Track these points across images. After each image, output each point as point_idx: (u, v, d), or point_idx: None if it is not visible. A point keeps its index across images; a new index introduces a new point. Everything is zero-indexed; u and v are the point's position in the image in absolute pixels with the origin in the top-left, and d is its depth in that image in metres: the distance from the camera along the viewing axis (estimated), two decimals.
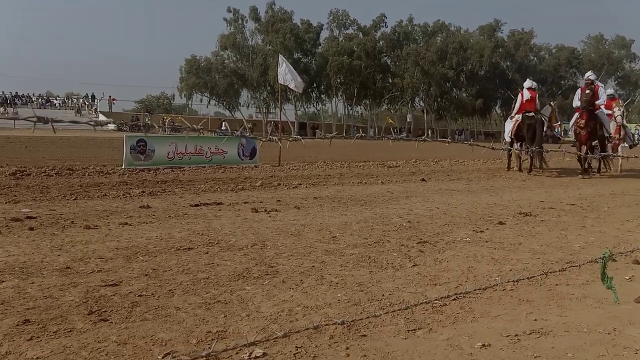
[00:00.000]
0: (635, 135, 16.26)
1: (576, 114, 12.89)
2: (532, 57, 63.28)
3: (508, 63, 60.48)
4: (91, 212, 5.77)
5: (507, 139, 13.90)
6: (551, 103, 16.69)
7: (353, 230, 5.25)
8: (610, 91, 14.87)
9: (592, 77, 12.98)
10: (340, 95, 59.30)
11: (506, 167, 13.99)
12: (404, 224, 5.63)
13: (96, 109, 50.16)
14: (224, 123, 40.12)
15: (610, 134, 12.94)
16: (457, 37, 58.62)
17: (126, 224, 5.17)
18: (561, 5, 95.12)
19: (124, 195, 7.22)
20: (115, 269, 3.61)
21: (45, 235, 4.57)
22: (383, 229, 5.33)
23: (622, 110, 13.47)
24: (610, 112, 13.91)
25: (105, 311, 2.81)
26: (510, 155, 13.96)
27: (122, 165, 10.78)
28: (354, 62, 54.49)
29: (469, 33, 60.57)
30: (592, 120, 12.45)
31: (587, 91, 12.40)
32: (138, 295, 3.07)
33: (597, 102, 12.64)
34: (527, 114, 13.20)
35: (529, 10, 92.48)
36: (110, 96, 52.62)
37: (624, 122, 14.08)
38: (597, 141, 12.75)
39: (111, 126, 41.01)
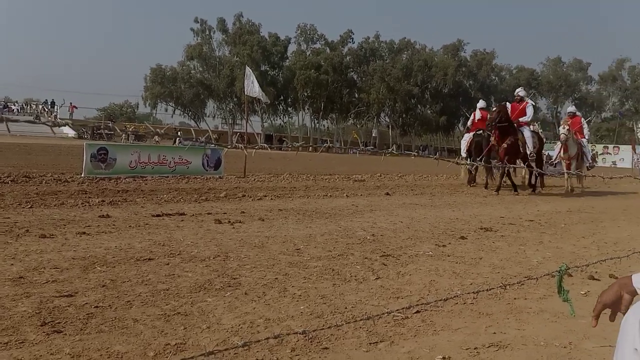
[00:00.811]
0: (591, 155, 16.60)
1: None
2: (493, 77, 65.20)
3: (471, 82, 62.12)
4: (47, 221, 5.58)
5: (463, 155, 14.36)
6: None
7: (317, 242, 5.24)
8: (571, 109, 15.20)
9: (522, 93, 13.40)
10: (307, 109, 59.65)
11: (467, 183, 14.31)
12: (368, 237, 5.66)
13: (56, 115, 48.84)
14: (179, 135, 38.22)
15: (531, 151, 12.80)
16: (422, 55, 59.91)
17: (84, 233, 5.02)
18: (521, 27, 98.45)
19: (82, 204, 7.02)
20: (70, 279, 3.49)
21: None
22: (347, 242, 5.34)
23: (566, 128, 13.52)
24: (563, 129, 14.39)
25: (59, 322, 2.71)
26: (470, 171, 14.38)
27: (81, 174, 10.49)
28: (321, 77, 54.95)
29: (434, 52, 62.03)
30: (506, 136, 12.41)
31: (494, 109, 12.76)
32: (94, 307, 2.98)
33: (522, 119, 12.92)
34: (477, 132, 13.94)
35: (491, 32, 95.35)
36: (71, 103, 51.43)
37: (584, 142, 14.30)
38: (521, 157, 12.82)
39: (71, 133, 40.09)
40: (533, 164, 12.55)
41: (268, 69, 56.30)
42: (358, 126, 63.31)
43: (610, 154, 53.02)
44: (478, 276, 4.20)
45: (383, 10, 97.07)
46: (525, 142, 12.59)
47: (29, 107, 52.85)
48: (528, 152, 12.64)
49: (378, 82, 56.11)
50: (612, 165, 47.81)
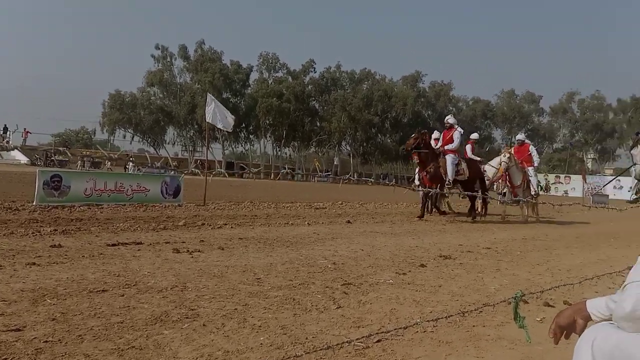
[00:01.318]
0: (538, 183, 16.88)
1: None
2: (451, 108, 67.00)
3: (429, 112, 63.70)
4: None
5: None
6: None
7: (278, 271, 5.18)
8: (520, 136, 15.40)
9: (451, 120, 13.73)
10: (269, 136, 59.73)
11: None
12: (329, 266, 5.64)
13: (8, 141, 47.20)
14: (130, 162, 36.84)
15: (449, 179, 12.89)
16: (382, 85, 61.21)
17: (34, 264, 4.82)
18: (477, 60, 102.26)
19: (33, 233, 6.75)
20: (19, 312, 3.33)
21: None
22: (308, 271, 5.30)
23: (506, 156, 13.70)
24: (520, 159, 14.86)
25: (6, 358, 2.57)
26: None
27: (33, 202, 10.12)
28: (283, 105, 55.30)
29: (393, 82, 63.49)
30: (428, 163, 12.82)
31: (414, 135, 13.20)
32: (43, 341, 2.84)
33: (447, 147, 13.20)
34: None
35: (448, 63, 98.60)
36: (25, 128, 49.85)
37: (530, 170, 14.39)
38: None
39: (23, 159, 38.78)
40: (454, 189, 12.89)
41: (230, 96, 56.31)
42: (320, 154, 63.75)
43: (562, 183, 54.98)
44: (438, 304, 4.23)
45: (343, 40, 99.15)
46: (446, 170, 12.86)
47: None
48: (448, 180, 12.78)
49: (339, 111, 56.87)
50: (564, 194, 49.54)
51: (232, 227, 8.83)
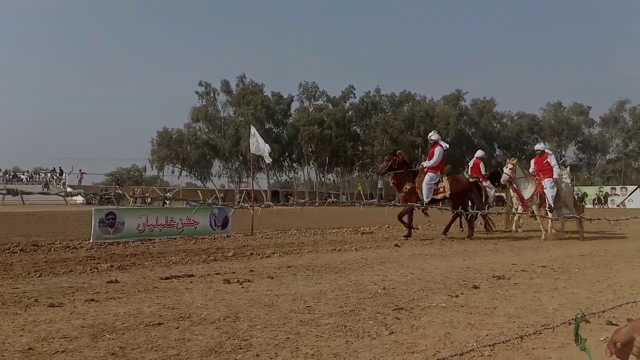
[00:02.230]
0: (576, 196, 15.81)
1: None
2: (495, 124, 65.80)
3: (473, 130, 62.67)
4: (56, 289, 5.56)
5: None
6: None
7: (328, 299, 5.17)
8: (539, 146, 14.20)
9: (434, 137, 13.35)
10: (312, 164, 60.14)
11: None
12: (379, 291, 5.58)
13: (64, 182, 49.44)
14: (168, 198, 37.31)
15: (423, 200, 12.40)
16: (423, 106, 60.78)
17: (93, 300, 4.99)
18: (519, 74, 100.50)
19: (91, 270, 7.01)
20: (80, 348, 3.45)
21: (7, 315, 4.36)
22: (358, 297, 5.26)
23: (510, 167, 12.93)
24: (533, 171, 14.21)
25: None
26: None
27: (90, 240, 10.52)
28: (324, 132, 55.73)
29: (434, 102, 62.93)
30: (404, 183, 12.68)
31: (386, 157, 13.13)
32: None
33: (425, 164, 12.88)
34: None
35: (489, 80, 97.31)
36: (80, 169, 52.14)
37: (547, 182, 12.99)
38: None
39: (79, 199, 40.42)
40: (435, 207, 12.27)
41: (272, 126, 57.26)
42: (363, 178, 63.57)
43: (618, 195, 52.70)
44: (494, 327, 4.11)
45: (382, 65, 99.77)
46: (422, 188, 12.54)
47: (37, 175, 53.63)
48: (423, 199, 12.39)
49: (381, 135, 56.78)
50: (621, 207, 47.43)
51: (280, 256, 8.88)
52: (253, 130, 15.23)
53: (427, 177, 12.65)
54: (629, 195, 37.95)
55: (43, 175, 52.89)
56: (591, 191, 50.45)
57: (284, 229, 14.71)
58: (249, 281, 6.16)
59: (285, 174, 63.19)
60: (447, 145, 13.53)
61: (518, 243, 11.84)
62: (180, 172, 58.03)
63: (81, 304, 4.84)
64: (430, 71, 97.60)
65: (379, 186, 61.56)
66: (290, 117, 59.33)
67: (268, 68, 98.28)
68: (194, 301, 4.98)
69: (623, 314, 4.26)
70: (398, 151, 13.66)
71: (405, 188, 12.69)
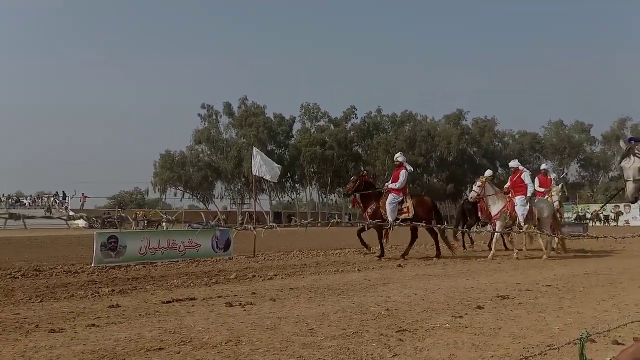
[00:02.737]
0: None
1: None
2: (497, 143, 65.85)
3: (475, 149, 62.75)
4: (57, 315, 5.52)
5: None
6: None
7: (331, 321, 5.12)
8: (512, 163, 13.94)
9: (401, 159, 13.32)
10: (315, 184, 60.16)
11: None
12: (383, 312, 5.53)
13: (67, 207, 49.49)
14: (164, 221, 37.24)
15: (389, 220, 12.30)
16: (424, 125, 61.03)
17: (94, 325, 4.95)
18: (519, 93, 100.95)
19: (92, 295, 6.96)
20: None
21: (8, 342, 4.33)
22: (362, 319, 5.22)
23: (478, 185, 13.00)
24: (543, 189, 14.46)
25: None
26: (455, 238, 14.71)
27: (92, 264, 10.48)
28: (326, 152, 55.90)
29: (436, 122, 63.17)
30: (369, 203, 12.78)
31: (353, 178, 13.23)
32: None
33: (391, 185, 12.85)
34: (465, 199, 14.26)
35: (490, 100, 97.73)
36: (83, 193, 52.24)
37: (518, 200, 12.79)
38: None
39: (82, 223, 40.44)
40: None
41: (275, 148, 57.44)
42: None
43: (622, 213, 52.46)
44: (499, 348, 4.06)
45: (383, 85, 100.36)
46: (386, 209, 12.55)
47: (40, 200, 53.70)
48: (389, 219, 12.34)
49: (383, 155, 56.86)
50: (626, 225, 47.19)
51: (282, 278, 8.83)
52: (256, 151, 15.29)
53: (390, 198, 12.73)
54: (605, 205, 37.88)
55: (46, 199, 52.93)
56: (594, 209, 50.26)
57: (286, 250, 14.65)
58: (251, 304, 6.11)
59: (288, 195, 63.19)
60: (412, 169, 13.66)
61: (522, 262, 11.75)
62: (183, 194, 58.13)
63: (82, 329, 4.81)
64: (431, 91, 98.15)
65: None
66: (293, 139, 59.56)
67: (270, 90, 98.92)
68: (196, 325, 4.94)
69: (629, 333, 4.21)
70: (364, 172, 13.85)
71: (371, 208, 12.77)
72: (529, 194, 12.88)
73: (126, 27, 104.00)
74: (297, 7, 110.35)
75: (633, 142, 5.66)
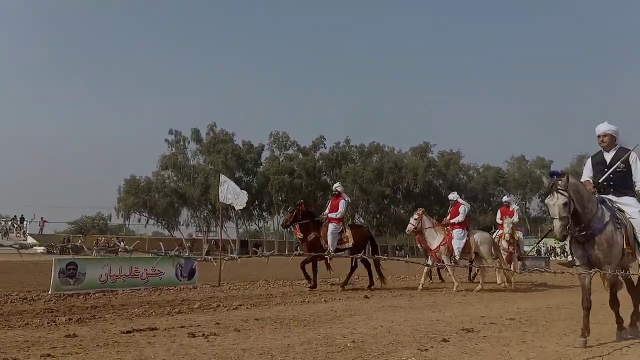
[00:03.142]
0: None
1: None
2: (462, 176, 67.16)
3: (440, 181, 63.80)
4: (10, 344, 5.27)
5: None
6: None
7: (296, 353, 5.04)
8: (451, 196, 14.18)
9: (339, 188, 13.57)
10: (282, 213, 59.85)
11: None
12: (349, 344, 5.48)
13: (25, 231, 47.83)
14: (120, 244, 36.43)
15: (329, 249, 12.32)
16: (391, 157, 61.89)
17: (49, 355, 4.75)
18: (485, 128, 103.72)
19: (48, 323, 6.69)
20: None
21: None
22: (327, 351, 5.15)
23: (415, 217, 13.06)
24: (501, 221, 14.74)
25: None
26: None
27: (48, 291, 10.10)
28: (294, 181, 55.96)
29: (402, 154, 64.15)
30: (308, 232, 12.70)
31: (290, 208, 13.29)
32: None
33: (331, 215, 12.89)
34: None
35: (455, 133, 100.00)
36: (42, 218, 50.61)
37: (455, 233, 12.88)
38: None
39: (39, 249, 39.02)
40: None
41: (242, 175, 57.14)
42: None
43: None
44: None
45: (351, 116, 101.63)
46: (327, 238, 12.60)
47: None
48: (329, 249, 12.39)
49: (351, 184, 57.25)
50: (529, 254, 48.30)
51: (247, 308, 8.68)
52: (224, 178, 15.16)
53: (331, 227, 12.71)
54: (538, 242, 38.89)
55: (3, 223, 51.07)
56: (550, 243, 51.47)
57: (252, 279, 14.45)
58: (214, 334, 5.97)
59: (255, 224, 62.65)
60: (349, 199, 13.66)
61: (487, 295, 11.88)
62: (147, 220, 56.96)
63: (36, 359, 4.60)
64: (397, 123, 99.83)
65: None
66: (261, 166, 59.46)
67: (239, 117, 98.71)
68: (156, 356, 4.79)
69: None
70: (300, 201, 13.84)
71: (310, 237, 12.65)
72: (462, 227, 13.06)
73: (91, 48, 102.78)
74: (267, 36, 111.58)
75: (555, 177, 5.58)
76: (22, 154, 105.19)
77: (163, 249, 2.41)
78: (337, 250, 12.61)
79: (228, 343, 5.51)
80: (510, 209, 15.75)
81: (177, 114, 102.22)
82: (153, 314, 7.78)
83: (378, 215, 61.39)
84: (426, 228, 13.11)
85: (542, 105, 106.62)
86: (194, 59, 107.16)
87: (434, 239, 12.97)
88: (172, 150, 57.43)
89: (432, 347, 5.44)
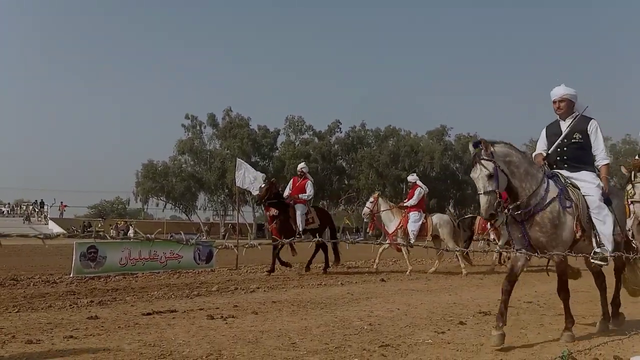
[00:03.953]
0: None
1: None
2: None
3: (457, 165, 63.30)
4: (34, 325, 5.40)
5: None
6: None
7: (313, 335, 5.09)
8: (410, 177, 14.09)
9: (305, 169, 13.33)
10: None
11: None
12: (365, 327, 5.52)
13: (46, 215, 48.70)
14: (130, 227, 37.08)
15: (299, 230, 12.18)
16: (407, 140, 61.44)
17: (71, 337, 4.85)
18: (501, 111, 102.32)
19: (70, 305, 6.83)
20: None
21: None
22: (344, 333, 5.19)
23: (371, 200, 13.02)
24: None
25: None
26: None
27: (70, 274, 10.30)
28: (310, 165, 55.84)
29: (419, 137, 63.66)
30: (278, 213, 12.22)
31: (263, 186, 12.70)
32: None
33: (301, 196, 12.63)
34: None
35: (473, 115, 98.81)
36: (62, 202, 51.46)
37: (412, 215, 12.78)
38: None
39: (60, 230, 39.77)
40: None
41: (258, 160, 57.27)
42: (349, 212, 63.56)
43: None
44: None
45: (367, 100, 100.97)
46: (296, 219, 12.31)
47: (19, 208, 52.78)
48: (299, 230, 12.20)
49: (367, 169, 57.14)
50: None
51: (265, 291, 8.77)
52: (240, 163, 15.21)
53: (299, 208, 12.44)
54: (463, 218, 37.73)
55: (25, 207, 52.05)
56: None
57: (269, 262, 14.55)
58: (232, 317, 6.05)
59: None
60: (312, 180, 13.42)
61: (503, 278, 11.80)
62: (165, 205, 57.56)
63: (60, 340, 4.71)
64: (414, 107, 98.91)
65: (365, 220, 61.61)
66: (277, 151, 59.53)
67: (255, 101, 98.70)
68: (176, 338, 4.87)
69: (609, 351, 4.25)
70: (273, 179, 13.53)
71: (281, 218, 12.29)
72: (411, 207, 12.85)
73: (109, 33, 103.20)
74: (282, 19, 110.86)
75: (480, 146, 4.75)
76: (43, 138, 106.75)
77: (184, 236, 2.43)
78: (304, 231, 12.41)
79: (246, 325, 5.58)
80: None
81: (193, 99, 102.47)
82: (172, 296, 7.90)
83: (394, 199, 61.29)
84: (382, 211, 12.99)
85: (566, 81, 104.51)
86: (211, 44, 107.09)
87: (391, 222, 12.91)
88: (188, 135, 57.75)
89: (449, 329, 5.45)
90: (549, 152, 5.42)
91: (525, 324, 5.84)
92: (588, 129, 5.16)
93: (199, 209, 59.03)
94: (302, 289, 9.09)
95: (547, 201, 4.69)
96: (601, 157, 5.22)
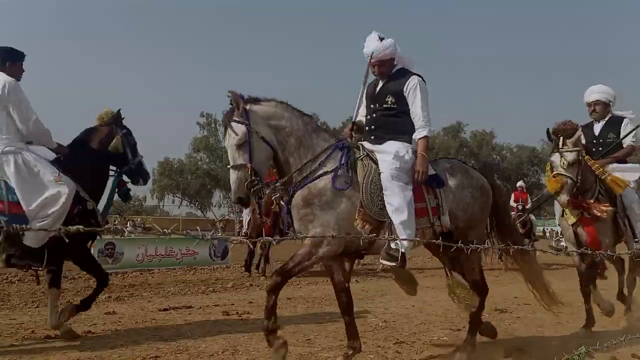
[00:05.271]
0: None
1: None
2: (495, 156, 65.91)
3: (473, 161, 62.80)
4: None
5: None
6: None
7: (328, 332, 5.10)
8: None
9: None
10: None
11: None
12: (380, 324, 5.52)
13: None
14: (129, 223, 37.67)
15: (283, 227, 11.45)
16: None
17: (89, 332, 4.94)
18: (518, 107, 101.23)
19: None
20: None
21: (3, 347, 4.31)
22: (359, 330, 5.17)
23: None
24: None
25: None
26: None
27: None
28: None
29: (435, 134, 63.26)
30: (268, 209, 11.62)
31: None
32: None
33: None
34: None
35: (488, 112, 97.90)
36: None
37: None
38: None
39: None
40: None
41: None
42: None
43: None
44: None
45: None
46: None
47: None
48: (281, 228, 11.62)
49: None
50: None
51: None
52: None
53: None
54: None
55: None
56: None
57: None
58: (248, 313, 6.09)
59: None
60: None
61: (520, 275, 11.70)
62: (181, 201, 58.05)
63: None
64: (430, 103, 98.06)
65: None
66: None
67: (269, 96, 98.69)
68: (193, 333, 4.92)
69: (628, 349, 4.21)
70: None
71: (272, 218, 11.98)
72: None
73: (125, 32, 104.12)
74: (295, 18, 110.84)
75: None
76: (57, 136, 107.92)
77: (200, 231, 2.44)
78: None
79: (261, 321, 5.60)
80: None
81: (208, 97, 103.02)
82: (188, 292, 7.97)
83: None
84: None
85: (580, 83, 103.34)
86: (224, 43, 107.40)
87: None
88: (203, 132, 58.10)
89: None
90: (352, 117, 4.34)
91: (541, 322, 5.80)
92: (405, 89, 3.88)
93: (215, 206, 59.44)
94: (317, 286, 9.11)
95: (314, 177, 3.59)
96: (419, 125, 3.96)
